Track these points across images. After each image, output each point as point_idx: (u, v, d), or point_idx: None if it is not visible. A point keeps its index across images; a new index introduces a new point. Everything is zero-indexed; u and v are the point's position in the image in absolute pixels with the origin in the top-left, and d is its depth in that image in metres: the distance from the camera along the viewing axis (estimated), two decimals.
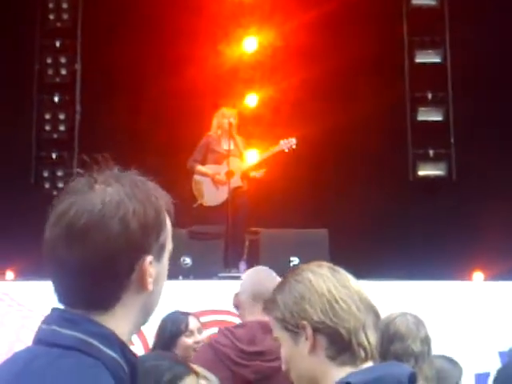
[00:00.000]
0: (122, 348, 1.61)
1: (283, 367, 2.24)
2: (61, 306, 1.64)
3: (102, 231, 1.58)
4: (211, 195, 8.87)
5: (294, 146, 8.82)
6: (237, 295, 4.11)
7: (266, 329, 3.82)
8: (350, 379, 2.01)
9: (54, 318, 1.62)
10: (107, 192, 1.63)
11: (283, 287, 2.21)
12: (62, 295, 1.63)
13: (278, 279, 4.16)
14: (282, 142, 8.85)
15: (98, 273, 1.58)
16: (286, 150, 8.83)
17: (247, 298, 4.03)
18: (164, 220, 1.68)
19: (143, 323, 1.70)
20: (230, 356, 3.89)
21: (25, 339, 6.55)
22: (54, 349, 1.57)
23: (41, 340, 1.61)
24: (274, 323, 2.22)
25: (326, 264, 2.25)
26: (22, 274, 8.05)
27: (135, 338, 6.79)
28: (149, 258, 1.63)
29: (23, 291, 6.92)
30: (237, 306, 4.12)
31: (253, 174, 8.83)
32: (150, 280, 1.63)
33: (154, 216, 1.65)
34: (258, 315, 3.92)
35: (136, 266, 1.61)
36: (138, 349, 6.74)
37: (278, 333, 2.21)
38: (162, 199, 1.70)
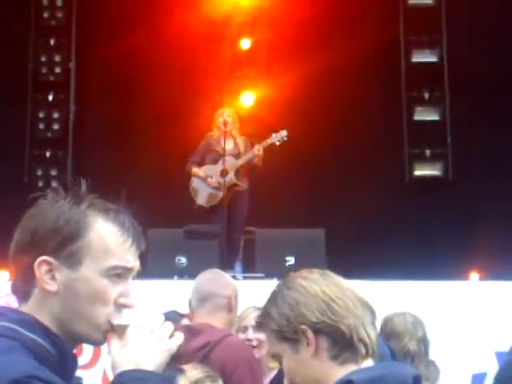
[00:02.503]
0: (45, 332, 1.74)
1: (286, 381, 2.19)
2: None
3: (20, 227, 1.82)
4: (207, 196, 8.87)
5: (285, 139, 8.82)
6: (190, 301, 4.10)
7: (192, 331, 3.84)
8: (352, 377, 1.99)
9: None
10: (43, 204, 1.83)
11: (275, 299, 2.18)
12: None
13: (227, 279, 4.16)
14: (273, 134, 8.86)
15: (16, 264, 1.81)
16: (278, 143, 8.82)
17: (194, 301, 4.05)
18: (80, 234, 1.78)
19: (73, 332, 1.78)
20: None
21: None
22: None
23: None
24: (271, 337, 2.18)
25: (316, 270, 2.22)
26: None
27: None
28: (42, 257, 1.76)
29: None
30: (191, 313, 4.12)
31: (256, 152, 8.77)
32: (45, 278, 1.76)
33: (63, 224, 1.78)
34: (203, 319, 3.95)
35: (32, 265, 1.77)
36: None
37: (277, 346, 2.17)
38: (90, 217, 1.80)
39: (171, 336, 1.86)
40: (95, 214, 1.81)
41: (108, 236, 1.79)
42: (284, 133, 8.84)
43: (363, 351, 2.09)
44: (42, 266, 1.76)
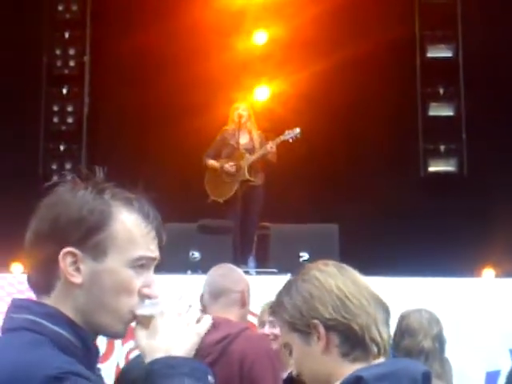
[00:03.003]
0: (70, 324, 1.72)
1: (294, 372, 2.19)
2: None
3: (39, 217, 1.77)
4: (221, 190, 8.87)
5: (298, 136, 8.81)
6: (201, 296, 4.09)
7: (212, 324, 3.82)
8: (362, 373, 1.97)
9: (11, 307, 1.78)
10: (61, 192, 1.79)
11: (290, 289, 2.16)
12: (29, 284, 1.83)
13: (239, 273, 4.16)
14: (286, 131, 8.85)
15: (33, 257, 1.77)
16: (291, 140, 8.82)
17: (207, 298, 4.03)
18: (105, 224, 1.75)
19: (96, 324, 1.76)
20: None
21: None
22: (8, 333, 1.73)
23: (2, 328, 1.76)
24: (283, 326, 2.17)
25: (331, 262, 2.21)
26: None
27: None
28: (66, 250, 1.73)
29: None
30: (201, 303, 4.10)
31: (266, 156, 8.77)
32: (70, 270, 1.73)
33: (88, 214, 1.75)
34: (217, 314, 3.90)
35: (57, 256, 1.73)
36: None
37: (287, 336, 2.16)
38: (113, 207, 1.77)
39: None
40: (119, 205, 1.78)
41: (133, 226, 1.77)
42: (297, 130, 8.83)
43: (375, 350, 2.08)
44: (66, 258, 1.73)
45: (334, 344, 2.07)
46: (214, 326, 3.91)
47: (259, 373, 3.71)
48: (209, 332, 3.83)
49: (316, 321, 2.08)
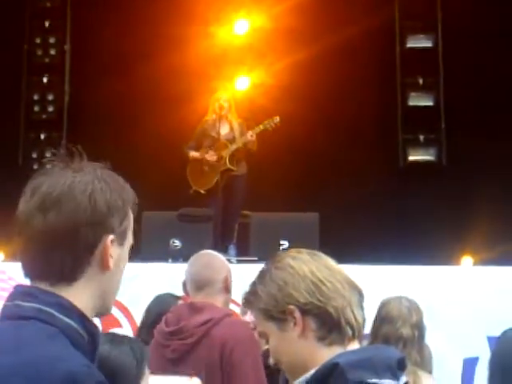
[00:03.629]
0: (81, 317, 1.70)
1: (271, 360, 2.20)
2: (27, 283, 1.75)
3: (71, 201, 1.70)
4: (202, 180, 8.88)
5: (277, 123, 8.78)
6: (184, 283, 4.12)
7: (193, 308, 3.92)
8: (338, 359, 1.99)
9: (16, 293, 1.72)
10: (78, 173, 1.74)
11: (264, 277, 2.17)
12: (30, 269, 1.73)
13: (221, 260, 4.20)
14: (265, 121, 8.85)
15: (65, 242, 1.69)
16: (270, 129, 8.81)
17: (191, 288, 4.05)
18: (128, 210, 1.79)
19: (104, 307, 1.79)
20: (157, 339, 3.97)
21: None
22: (16, 321, 1.67)
23: (5, 316, 1.71)
24: (258, 315, 2.18)
25: (304, 250, 2.22)
26: (14, 256, 8.01)
27: (123, 319, 6.78)
28: (111, 237, 1.73)
29: (15, 273, 6.88)
30: (184, 292, 4.14)
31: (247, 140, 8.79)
32: (110, 259, 1.73)
33: (119, 201, 1.75)
34: (200, 300, 3.98)
35: (99, 242, 1.72)
36: (126, 330, 6.73)
37: (264, 324, 2.17)
38: (129, 193, 1.80)
39: None
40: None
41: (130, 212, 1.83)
42: (277, 119, 8.83)
43: (350, 333, 2.09)
44: (111, 244, 1.73)
45: (310, 328, 2.09)
46: (198, 309, 3.98)
47: (239, 358, 3.75)
48: (193, 315, 3.89)
49: (292, 306, 2.09)
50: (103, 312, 1.79)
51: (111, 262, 1.74)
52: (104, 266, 1.73)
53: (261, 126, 8.81)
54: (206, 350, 3.77)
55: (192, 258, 4.24)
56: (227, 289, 4.07)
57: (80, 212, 1.69)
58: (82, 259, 1.71)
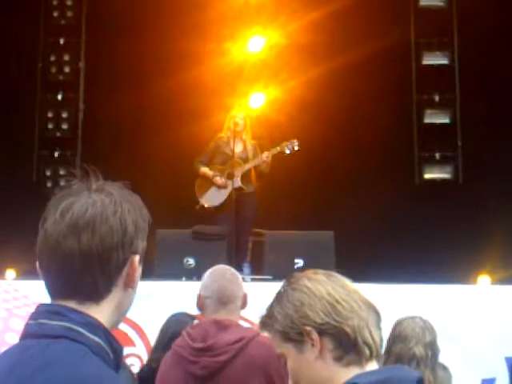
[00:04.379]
0: (107, 335, 1.73)
1: (290, 382, 2.18)
2: (49, 302, 1.76)
3: (104, 224, 1.73)
4: (211, 196, 8.88)
5: (296, 148, 8.78)
6: (200, 297, 4.05)
7: (220, 326, 3.88)
8: (357, 380, 1.99)
9: (41, 312, 1.73)
10: (103, 194, 1.77)
11: (281, 299, 2.17)
12: (56, 288, 1.75)
13: (240, 278, 4.16)
14: (284, 143, 8.83)
15: (98, 264, 1.72)
16: (288, 152, 8.79)
17: (213, 302, 3.99)
18: (147, 229, 1.83)
19: (117, 323, 1.81)
20: (183, 355, 3.91)
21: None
22: (42, 340, 1.67)
23: (30, 334, 1.71)
24: (276, 337, 2.18)
25: (320, 271, 2.21)
26: (24, 273, 8.00)
27: (136, 338, 6.74)
28: (138, 257, 1.79)
29: (28, 291, 6.88)
30: (201, 308, 4.07)
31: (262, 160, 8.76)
32: (137, 279, 1.80)
33: (142, 221, 1.80)
34: (224, 318, 3.95)
35: (127, 263, 1.76)
36: (139, 349, 6.70)
37: (281, 346, 2.16)
38: (147, 213, 1.84)
39: None
40: None
41: None
42: (295, 142, 8.80)
43: (367, 353, 2.08)
44: (137, 265, 1.78)
45: (328, 349, 2.08)
46: (224, 327, 3.96)
47: (276, 375, 3.74)
48: (219, 332, 3.86)
49: (308, 327, 2.08)
50: (113, 328, 1.80)
51: (137, 282, 1.80)
52: (130, 286, 1.79)
53: (278, 148, 8.81)
54: (241, 368, 3.74)
55: (213, 273, 4.15)
56: (244, 307, 4.04)
57: (113, 234, 1.73)
58: (112, 279, 1.75)
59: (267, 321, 2.19)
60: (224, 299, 3.96)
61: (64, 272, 1.73)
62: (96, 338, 1.69)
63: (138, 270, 1.80)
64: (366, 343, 2.08)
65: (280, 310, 2.14)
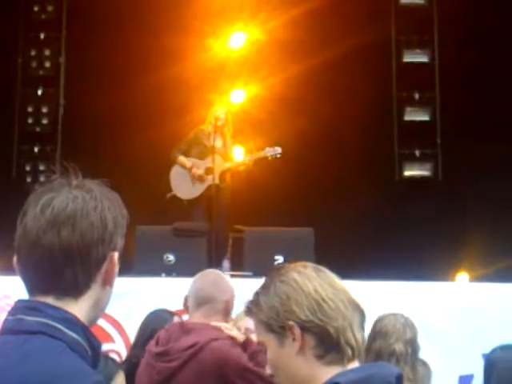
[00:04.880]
0: (85, 331, 1.73)
1: (268, 371, 2.21)
2: (27, 298, 1.76)
3: (85, 219, 1.73)
4: (186, 188, 8.87)
5: (278, 156, 8.79)
6: (185, 297, 4.08)
7: (183, 329, 3.92)
8: (338, 379, 1.99)
9: (19, 308, 1.73)
10: (83, 190, 1.77)
11: (268, 289, 2.17)
12: (34, 283, 1.75)
13: (227, 282, 4.16)
14: (267, 149, 8.84)
15: (78, 259, 1.72)
16: (270, 158, 8.80)
17: (191, 302, 4.04)
18: (125, 226, 1.83)
19: (94, 319, 1.81)
20: (146, 359, 3.98)
21: None
22: (20, 335, 1.68)
23: (8, 330, 1.71)
24: (258, 326, 2.19)
25: (310, 264, 2.21)
26: (3, 269, 7.96)
27: (116, 334, 6.73)
28: (116, 254, 1.79)
29: (1, 285, 6.85)
30: (185, 309, 4.10)
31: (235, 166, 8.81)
32: (115, 275, 1.80)
33: (121, 218, 1.80)
34: (199, 319, 3.97)
35: (107, 259, 1.77)
36: (118, 345, 6.69)
37: (263, 336, 2.17)
38: (125, 210, 1.84)
39: None
40: None
41: None
42: (278, 150, 8.80)
43: (349, 353, 2.09)
44: (115, 262, 1.79)
45: (309, 346, 2.08)
46: (187, 331, 3.95)
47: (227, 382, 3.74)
48: (181, 336, 3.86)
49: (292, 322, 2.09)
50: (90, 324, 1.79)
51: (114, 279, 1.80)
52: (108, 282, 1.79)
53: (261, 154, 8.82)
54: (191, 375, 3.75)
55: (198, 274, 4.21)
56: (227, 313, 4.02)
57: (93, 230, 1.73)
58: (91, 276, 1.75)
59: (253, 308, 2.19)
60: (200, 300, 3.99)
61: (43, 267, 1.72)
62: (74, 335, 1.69)
63: (116, 268, 1.80)
64: (348, 344, 2.09)
65: (266, 300, 2.15)
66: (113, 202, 1.79)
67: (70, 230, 1.71)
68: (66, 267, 1.71)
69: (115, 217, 1.78)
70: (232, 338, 3.91)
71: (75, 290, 1.74)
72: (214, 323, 3.93)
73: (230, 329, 3.97)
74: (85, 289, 1.74)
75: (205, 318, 3.95)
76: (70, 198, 1.74)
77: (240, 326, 4.57)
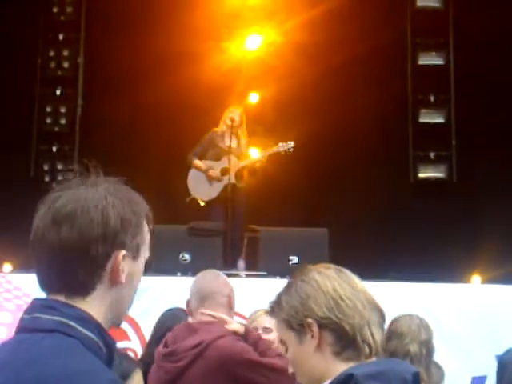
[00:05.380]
0: (100, 329, 1.73)
1: (290, 369, 2.28)
2: (43, 296, 1.77)
3: (85, 216, 1.72)
4: (203, 190, 8.91)
5: (291, 150, 8.81)
6: (187, 302, 4.15)
7: (190, 329, 3.97)
8: (353, 371, 2.04)
9: (35, 306, 1.73)
10: (92, 188, 1.77)
11: (290, 289, 2.25)
12: (47, 282, 1.76)
13: (225, 278, 4.21)
14: (280, 144, 8.86)
15: (78, 256, 1.71)
16: (283, 153, 8.83)
17: (194, 301, 4.10)
18: (141, 224, 1.80)
19: (115, 320, 1.81)
20: (155, 359, 4.03)
21: None
22: (36, 334, 1.68)
23: (24, 328, 1.72)
24: (280, 324, 2.26)
25: (333, 266, 2.29)
26: (21, 267, 8.04)
27: (131, 333, 6.78)
28: (123, 252, 1.75)
29: (22, 283, 6.92)
30: (188, 313, 4.17)
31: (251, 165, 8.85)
32: (122, 274, 1.76)
33: (131, 215, 1.77)
34: (204, 316, 4.01)
35: (111, 257, 1.74)
36: (134, 343, 6.73)
37: (284, 334, 2.25)
38: (143, 208, 1.82)
39: None
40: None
41: (145, 226, 1.84)
42: (291, 144, 8.83)
43: (367, 351, 2.14)
44: (123, 260, 1.76)
45: (327, 343, 2.15)
46: (195, 330, 4.00)
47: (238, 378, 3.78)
48: (188, 336, 3.92)
49: (310, 319, 2.16)
50: (113, 325, 1.81)
51: (122, 277, 1.76)
52: (115, 281, 1.76)
53: (274, 149, 8.84)
54: (199, 373, 3.79)
55: (196, 276, 4.28)
56: (230, 305, 4.07)
57: (93, 227, 1.72)
58: (94, 273, 1.74)
59: (275, 308, 2.28)
60: (203, 295, 4.05)
61: (50, 265, 1.74)
62: (88, 333, 1.69)
63: (129, 266, 1.77)
64: (365, 341, 2.14)
65: (287, 299, 2.23)
66: (123, 199, 1.77)
67: (68, 228, 1.71)
68: (68, 265, 1.72)
69: (121, 214, 1.75)
70: (234, 333, 3.96)
71: (82, 289, 1.73)
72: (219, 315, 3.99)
73: (230, 322, 4.03)
74: (91, 288, 1.74)
75: (207, 316, 4.00)
76: (74, 196, 1.74)
77: (257, 326, 4.62)
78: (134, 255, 1.79)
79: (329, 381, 2.10)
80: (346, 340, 2.14)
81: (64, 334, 1.67)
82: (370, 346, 2.14)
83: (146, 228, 1.82)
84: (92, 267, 1.73)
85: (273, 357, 3.85)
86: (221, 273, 4.33)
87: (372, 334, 2.15)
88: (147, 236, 1.84)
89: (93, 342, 1.70)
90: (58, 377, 1.59)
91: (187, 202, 8.87)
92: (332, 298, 2.16)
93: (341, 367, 2.11)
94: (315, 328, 2.15)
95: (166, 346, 3.99)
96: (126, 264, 1.77)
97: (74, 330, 1.68)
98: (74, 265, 1.72)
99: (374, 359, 2.15)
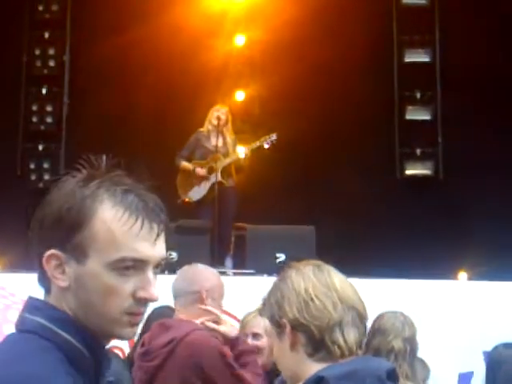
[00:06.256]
0: (81, 333, 1.64)
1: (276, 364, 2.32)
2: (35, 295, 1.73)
3: (41, 211, 1.68)
4: (192, 191, 8.92)
5: (274, 141, 8.82)
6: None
7: (163, 327, 3.96)
8: (323, 373, 2.04)
9: (26, 305, 1.70)
10: (56, 188, 1.69)
11: (272, 288, 2.28)
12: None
13: (199, 274, 4.16)
14: (262, 138, 8.87)
15: (33, 256, 1.68)
16: (266, 146, 8.84)
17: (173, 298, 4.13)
18: (85, 222, 1.64)
19: (95, 321, 1.65)
20: (136, 359, 4.03)
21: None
22: (21, 334, 1.66)
23: (16, 326, 1.69)
24: (269, 322, 2.30)
25: (312, 262, 2.28)
26: (9, 266, 8.02)
27: None
28: (50, 251, 1.64)
29: (9, 283, 6.89)
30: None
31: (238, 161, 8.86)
32: (55, 274, 1.65)
33: (70, 213, 1.64)
34: (180, 313, 4.04)
35: (44, 256, 1.65)
36: (122, 342, 6.73)
37: (270, 331, 2.30)
38: (89, 205, 1.66)
39: None
40: (102, 198, 1.66)
41: (113, 223, 1.64)
42: (274, 136, 8.85)
43: (338, 353, 2.14)
44: (50, 261, 1.64)
45: (301, 343, 2.17)
46: (167, 328, 4.00)
47: (209, 373, 3.76)
48: (161, 334, 3.92)
49: (284, 320, 2.18)
50: (100, 334, 1.67)
51: (62, 280, 1.64)
52: (55, 284, 1.66)
53: (257, 143, 8.85)
54: (173, 371, 3.77)
55: (179, 271, 4.26)
56: (202, 301, 4.02)
57: (32, 225, 1.68)
58: (43, 274, 1.67)
59: (261, 307, 2.33)
60: (174, 293, 4.09)
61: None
62: (68, 337, 1.62)
63: (74, 269, 1.64)
64: (335, 343, 2.14)
65: (269, 298, 2.26)
66: (75, 195, 1.65)
67: (32, 226, 1.69)
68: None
69: (52, 213, 1.65)
70: (213, 330, 3.94)
71: (45, 289, 1.69)
72: (201, 319, 3.96)
73: (224, 322, 4.00)
74: (48, 288, 1.69)
75: (184, 308, 4.01)
76: (52, 193, 1.70)
77: (247, 332, 4.56)
78: (77, 257, 1.63)
79: (303, 381, 2.12)
80: (315, 341, 2.15)
81: (40, 337, 1.61)
82: (340, 347, 2.14)
83: (100, 226, 1.63)
84: (40, 268, 1.67)
85: (248, 371, 3.80)
86: (201, 266, 4.26)
87: (343, 336, 2.14)
88: (105, 235, 1.63)
89: (70, 344, 1.62)
90: (9, 380, 1.53)
91: (178, 203, 8.87)
92: (303, 300, 2.17)
93: (314, 368, 2.12)
94: (288, 328, 2.17)
95: (143, 345, 3.99)
96: (69, 266, 1.63)
97: (50, 333, 1.62)
98: (37, 265, 1.68)
99: (348, 359, 2.14)
